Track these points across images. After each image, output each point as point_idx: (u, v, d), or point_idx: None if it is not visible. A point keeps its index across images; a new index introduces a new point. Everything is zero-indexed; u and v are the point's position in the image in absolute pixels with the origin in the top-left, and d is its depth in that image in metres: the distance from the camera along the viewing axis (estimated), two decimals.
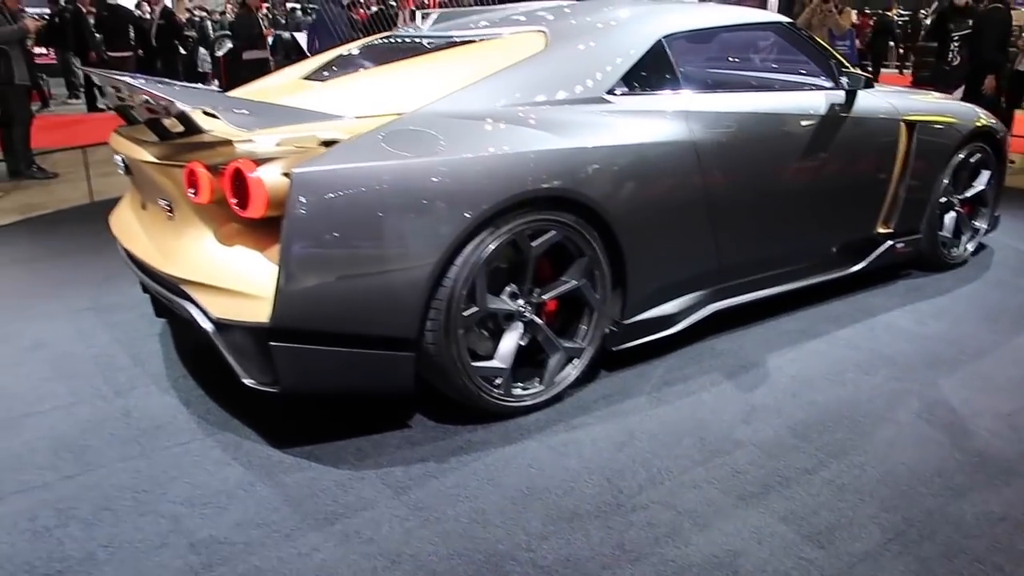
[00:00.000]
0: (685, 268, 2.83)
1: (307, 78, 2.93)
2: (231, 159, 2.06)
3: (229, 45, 15.26)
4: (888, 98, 3.48)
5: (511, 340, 2.41)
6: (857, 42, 11.23)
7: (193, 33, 15.66)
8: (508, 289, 2.41)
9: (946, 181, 3.72)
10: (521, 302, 2.42)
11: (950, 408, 2.57)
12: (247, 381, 2.16)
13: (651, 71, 2.73)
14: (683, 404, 2.56)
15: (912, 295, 3.60)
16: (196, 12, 15.75)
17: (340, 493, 2.07)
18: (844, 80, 3.21)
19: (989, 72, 6.63)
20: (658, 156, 2.61)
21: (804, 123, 3.06)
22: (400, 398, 2.36)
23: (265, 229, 2.10)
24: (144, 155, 2.30)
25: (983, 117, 3.92)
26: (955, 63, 7.50)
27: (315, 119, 2.22)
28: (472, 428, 2.39)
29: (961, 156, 3.76)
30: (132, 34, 11.12)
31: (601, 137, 2.48)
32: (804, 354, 2.96)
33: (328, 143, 2.13)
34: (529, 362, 2.52)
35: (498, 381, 2.38)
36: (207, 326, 2.15)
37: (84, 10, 11.04)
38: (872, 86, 3.29)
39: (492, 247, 2.24)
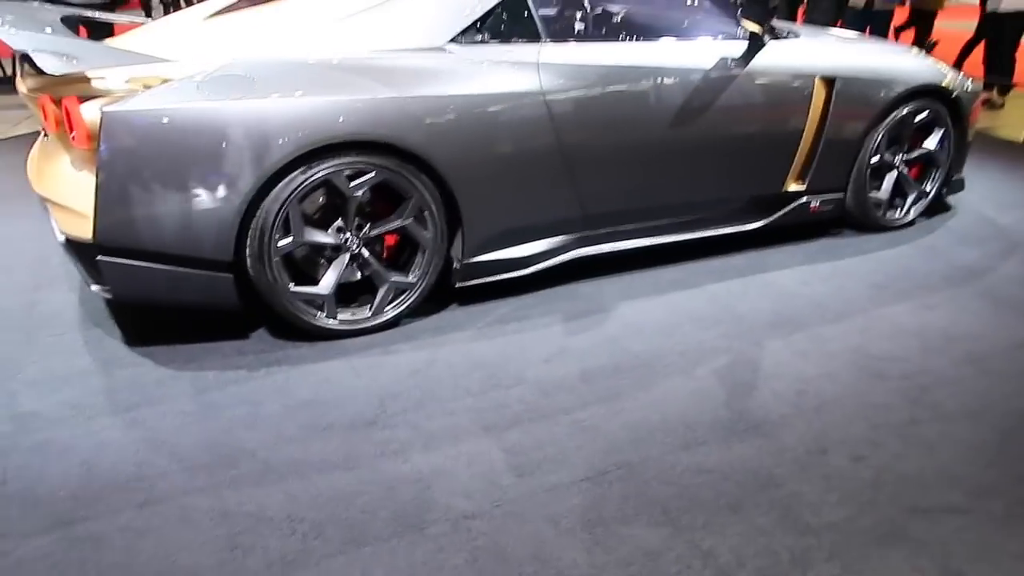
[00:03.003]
0: (538, 215, 2.96)
1: (210, 16, 3.17)
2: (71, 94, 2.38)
3: None
4: (805, 49, 3.37)
5: (335, 270, 2.67)
6: None
7: None
8: (336, 224, 2.66)
9: (879, 139, 3.59)
10: (347, 236, 2.66)
11: (754, 368, 2.64)
12: (93, 288, 2.53)
13: (504, 20, 2.81)
14: (501, 341, 2.76)
15: (821, 255, 3.56)
16: None
17: (154, 388, 2.44)
18: (740, 31, 3.16)
19: None
20: (498, 107, 2.73)
21: (684, 77, 3.06)
22: (228, 313, 2.68)
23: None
24: (22, 87, 2.66)
25: (947, 76, 3.71)
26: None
27: (146, 62, 2.48)
28: (298, 345, 2.69)
29: (902, 114, 3.60)
30: None
31: (429, 87, 2.63)
32: (659, 304, 3.06)
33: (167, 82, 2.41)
34: (370, 290, 2.79)
35: (320, 305, 2.67)
36: (60, 238, 2.53)
37: None
38: (775, 34, 3.18)
39: (304, 185, 2.48)
